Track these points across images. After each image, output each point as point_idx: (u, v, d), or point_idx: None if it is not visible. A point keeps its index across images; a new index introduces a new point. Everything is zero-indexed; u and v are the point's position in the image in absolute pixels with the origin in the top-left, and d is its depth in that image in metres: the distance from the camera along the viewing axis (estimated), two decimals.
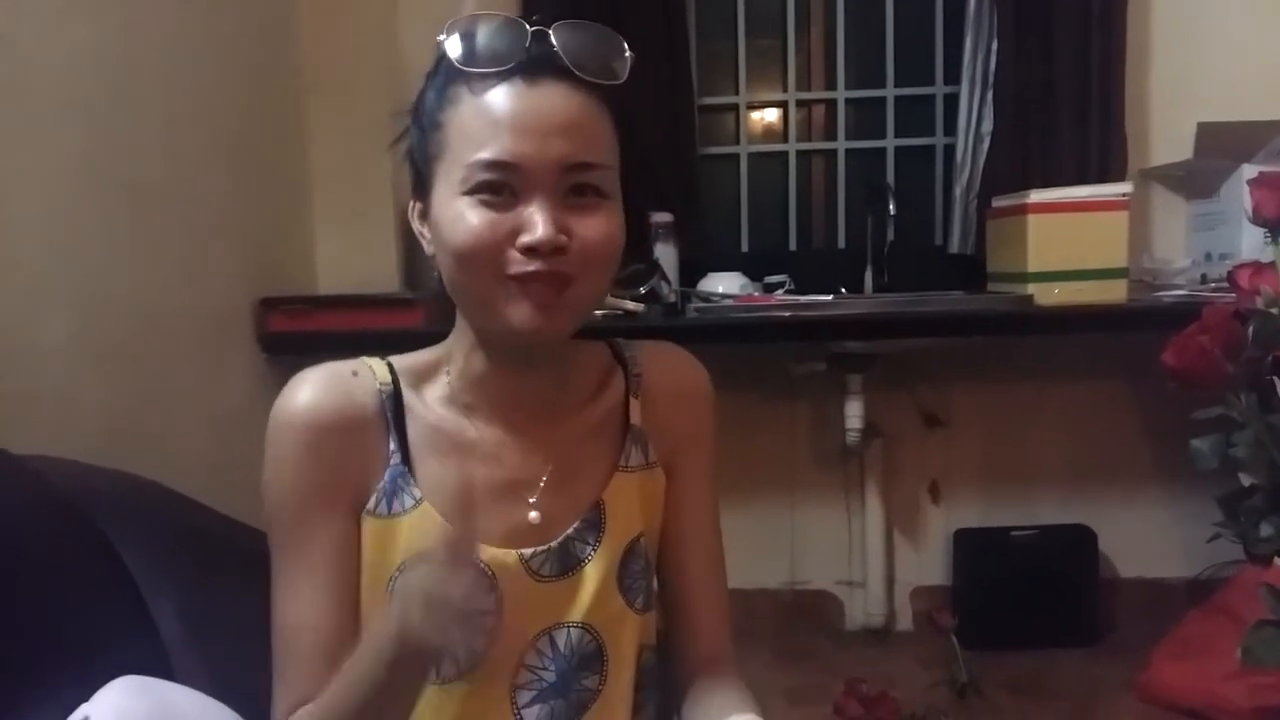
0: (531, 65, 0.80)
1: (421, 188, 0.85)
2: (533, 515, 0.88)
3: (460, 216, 0.79)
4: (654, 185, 2.41)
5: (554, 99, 0.80)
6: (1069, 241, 2.16)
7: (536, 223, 0.78)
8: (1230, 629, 0.88)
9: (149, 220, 1.65)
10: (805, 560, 2.68)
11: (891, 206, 2.49)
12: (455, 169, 0.80)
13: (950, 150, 2.63)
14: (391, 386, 0.87)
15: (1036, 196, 2.19)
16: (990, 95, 2.53)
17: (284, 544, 0.85)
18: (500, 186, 0.79)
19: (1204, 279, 2.33)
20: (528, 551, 0.87)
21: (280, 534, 0.85)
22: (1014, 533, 2.59)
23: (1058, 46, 2.49)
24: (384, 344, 2.31)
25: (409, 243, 2.45)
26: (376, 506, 0.85)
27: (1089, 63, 2.48)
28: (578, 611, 0.88)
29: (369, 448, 0.86)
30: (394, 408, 0.87)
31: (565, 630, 0.88)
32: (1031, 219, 2.18)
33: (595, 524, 0.90)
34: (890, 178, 2.73)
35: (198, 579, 1.12)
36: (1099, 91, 2.49)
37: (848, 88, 2.76)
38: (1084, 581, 2.58)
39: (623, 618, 0.91)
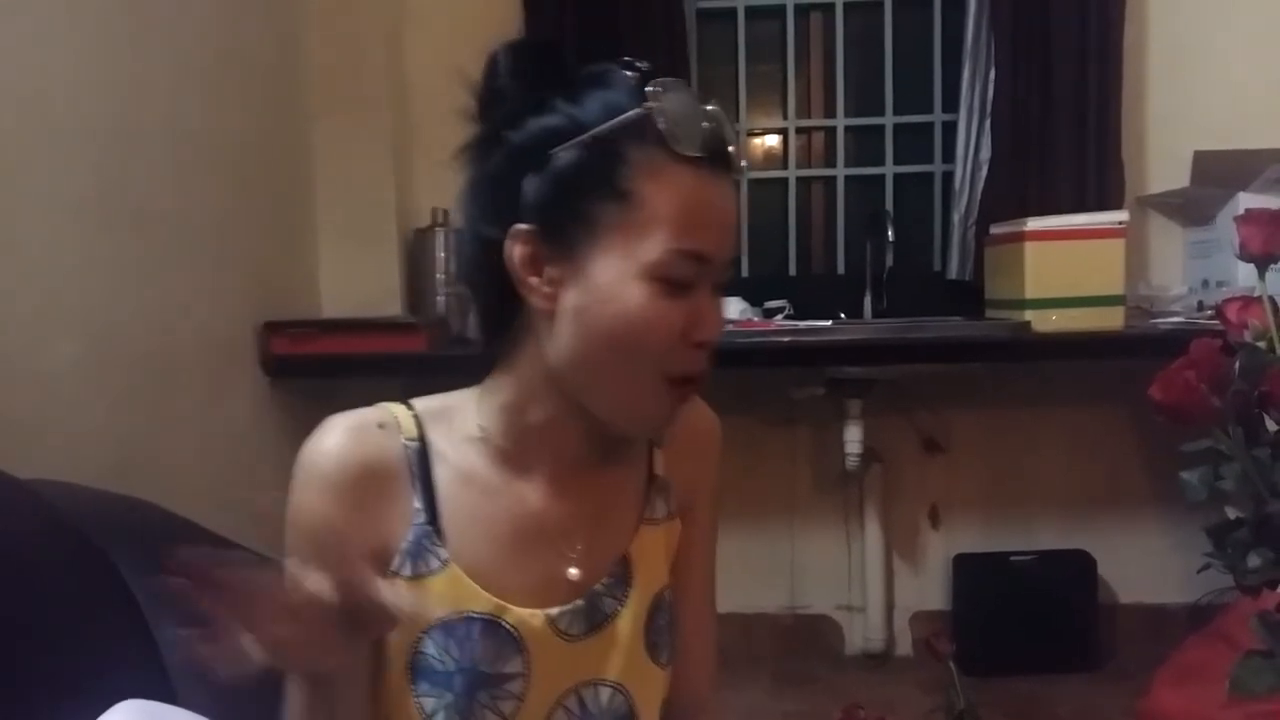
0: (722, 156, 0.79)
1: (563, 242, 0.78)
2: (572, 571, 0.85)
3: (638, 301, 0.76)
4: None
5: (731, 193, 0.80)
6: (1066, 268, 2.18)
7: (712, 319, 0.79)
8: (1228, 655, 0.89)
9: (154, 245, 1.67)
10: (805, 584, 2.69)
11: (890, 233, 2.50)
12: (644, 248, 0.76)
13: (949, 177, 2.66)
14: (418, 442, 0.83)
15: (1034, 224, 2.21)
16: (988, 123, 2.56)
17: None
18: (689, 279, 0.77)
19: (1200, 306, 2.35)
20: (555, 611, 0.84)
21: None
22: (1013, 558, 2.59)
23: (1055, 75, 2.51)
24: (387, 368, 2.34)
25: (413, 266, 2.48)
26: (402, 567, 0.82)
27: (1086, 91, 2.50)
28: (608, 670, 0.86)
29: (393, 505, 0.82)
30: (420, 463, 0.83)
31: (594, 689, 0.86)
32: (1029, 246, 2.20)
33: (623, 579, 0.88)
34: (889, 204, 2.75)
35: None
36: (1096, 119, 2.51)
37: (847, 115, 2.78)
38: (1083, 607, 2.58)
39: (650, 674, 0.89)
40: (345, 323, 2.22)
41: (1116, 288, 2.18)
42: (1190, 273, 2.54)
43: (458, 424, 0.86)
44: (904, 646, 2.69)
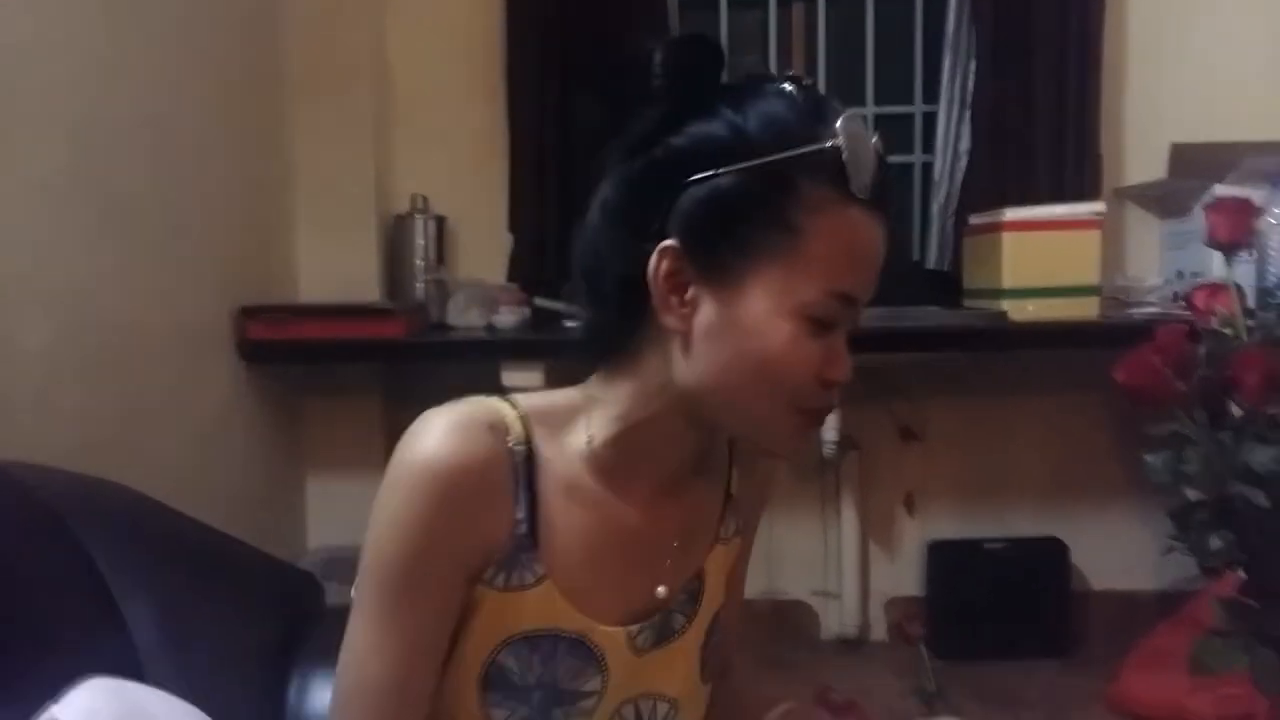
0: (884, 197, 0.76)
1: (714, 265, 0.75)
2: (660, 590, 0.84)
3: (786, 338, 0.74)
4: None
5: (884, 234, 0.77)
6: (1043, 259, 2.20)
7: (846, 360, 0.77)
8: None
9: (129, 228, 1.66)
10: (782, 571, 2.69)
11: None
12: (800, 285, 0.73)
13: (929, 168, 2.67)
14: (525, 447, 0.79)
15: (1011, 214, 2.23)
16: (968, 114, 2.57)
17: (389, 596, 0.77)
18: (836, 319, 0.76)
19: (1175, 297, 2.37)
20: (635, 629, 0.83)
21: (387, 585, 0.77)
22: (987, 545, 2.61)
23: (1035, 67, 2.53)
24: (365, 354, 2.33)
25: (392, 253, 2.47)
26: (494, 578, 0.78)
27: (1065, 83, 2.52)
28: (667, 684, 0.86)
29: (495, 511, 0.78)
30: (526, 470, 0.79)
31: (652, 701, 0.86)
32: (1006, 236, 2.21)
33: (694, 596, 0.88)
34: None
35: (173, 585, 1.12)
36: (1075, 111, 2.53)
37: None
38: (1056, 593, 2.60)
39: (699, 692, 0.90)
40: (322, 308, 2.21)
41: (1092, 278, 2.20)
42: (1166, 264, 2.57)
43: (565, 431, 0.82)
44: (879, 632, 2.71)
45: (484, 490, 0.77)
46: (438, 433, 0.76)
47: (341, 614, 1.21)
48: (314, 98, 2.36)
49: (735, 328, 0.75)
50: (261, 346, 2.09)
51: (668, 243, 0.75)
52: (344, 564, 2.40)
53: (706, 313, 0.75)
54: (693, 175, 0.74)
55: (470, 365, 2.19)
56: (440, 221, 2.49)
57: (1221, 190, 2.35)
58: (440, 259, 2.48)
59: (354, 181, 2.38)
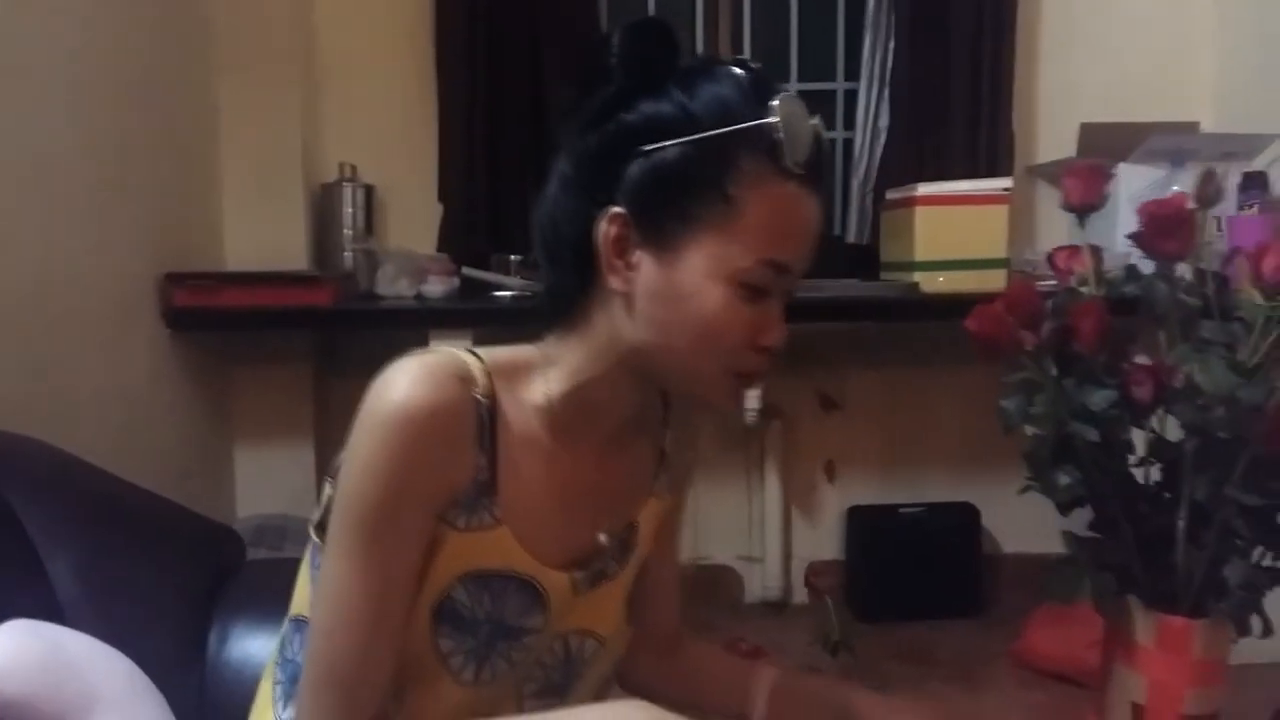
0: (819, 171, 0.81)
1: (657, 231, 0.80)
2: (601, 537, 0.91)
3: (720, 303, 0.79)
4: None
5: (821, 207, 0.82)
6: (953, 232, 2.28)
7: (780, 327, 0.82)
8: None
9: (50, 190, 1.65)
10: (707, 536, 2.77)
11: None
12: (734, 252, 0.78)
13: (849, 144, 2.74)
14: (489, 399, 0.84)
15: (924, 189, 2.31)
16: (887, 92, 2.65)
17: (367, 533, 0.80)
18: (768, 286, 0.80)
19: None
20: (578, 573, 0.89)
21: (365, 522, 0.80)
22: (903, 510, 2.71)
23: (952, 47, 2.61)
24: (292, 322, 2.33)
25: (319, 221, 2.48)
26: (456, 518, 0.83)
27: (980, 64, 2.61)
28: (598, 625, 0.92)
29: (460, 456, 0.82)
30: (489, 419, 0.83)
31: (582, 639, 0.92)
32: (919, 211, 2.29)
33: (627, 544, 0.94)
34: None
35: (94, 536, 1.15)
36: (989, 91, 2.62)
37: None
38: (968, 556, 2.72)
39: (623, 630, 0.96)
40: (248, 275, 2.20)
41: (1000, 251, 2.29)
42: (1074, 240, 2.65)
43: (523, 386, 0.87)
44: (800, 595, 2.80)
45: (452, 435, 0.81)
46: (410, 379, 0.80)
47: (263, 567, 1.25)
48: (241, 63, 2.35)
49: (674, 291, 0.80)
50: (187, 313, 2.08)
51: (615, 209, 0.81)
52: (273, 532, 2.40)
53: (648, 275, 0.81)
54: (640, 148, 0.80)
55: (398, 334, 2.21)
56: (369, 190, 2.50)
57: (1126, 169, 2.46)
58: (369, 228, 2.49)
59: (281, 149, 2.38)
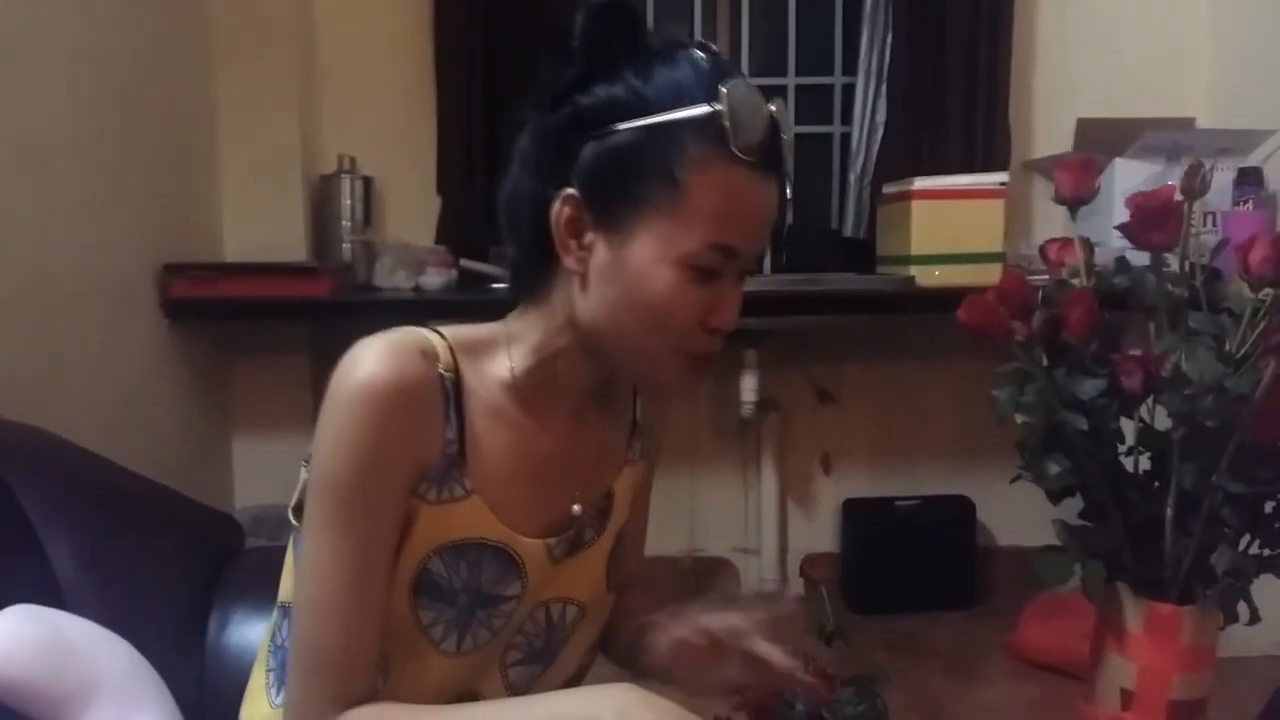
0: (774, 157, 0.82)
1: (607, 213, 0.82)
2: (576, 508, 0.92)
3: (668, 284, 0.80)
4: None
5: (775, 191, 0.83)
6: (949, 226, 2.29)
7: (730, 308, 0.83)
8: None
9: (51, 182, 1.66)
10: (704, 528, 2.79)
11: (789, 191, 2.57)
12: (681, 235, 0.80)
13: (846, 138, 2.75)
14: (453, 373, 0.85)
15: (920, 183, 2.31)
16: (884, 87, 2.66)
17: (344, 510, 0.82)
18: (718, 269, 0.81)
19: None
20: (553, 541, 0.90)
21: (341, 499, 0.82)
22: (899, 503, 2.73)
23: (949, 42, 2.62)
24: (290, 313, 2.33)
25: (318, 212, 2.48)
26: (427, 492, 0.84)
27: (977, 58, 2.62)
28: (577, 591, 0.94)
29: (429, 430, 0.84)
30: (454, 393, 0.85)
31: (562, 605, 0.93)
32: (915, 205, 2.30)
33: (605, 511, 0.96)
34: (789, 163, 2.82)
35: (94, 523, 1.16)
36: (986, 86, 2.63)
37: (752, 75, 2.83)
38: (963, 549, 2.72)
39: (604, 598, 0.98)
40: (247, 266, 2.21)
41: (996, 245, 2.30)
42: (1069, 234, 2.66)
43: (488, 361, 0.89)
44: (796, 587, 2.80)
45: (419, 409, 0.83)
46: (375, 356, 0.82)
47: (262, 554, 1.26)
48: (241, 55, 2.35)
49: (624, 271, 0.81)
50: (186, 304, 2.09)
51: (569, 191, 0.82)
52: (271, 522, 2.42)
53: (600, 256, 0.82)
54: (594, 131, 0.81)
55: (396, 325, 2.22)
56: (367, 182, 2.50)
57: (1122, 164, 2.47)
58: (367, 220, 2.49)
59: (280, 141, 2.38)
